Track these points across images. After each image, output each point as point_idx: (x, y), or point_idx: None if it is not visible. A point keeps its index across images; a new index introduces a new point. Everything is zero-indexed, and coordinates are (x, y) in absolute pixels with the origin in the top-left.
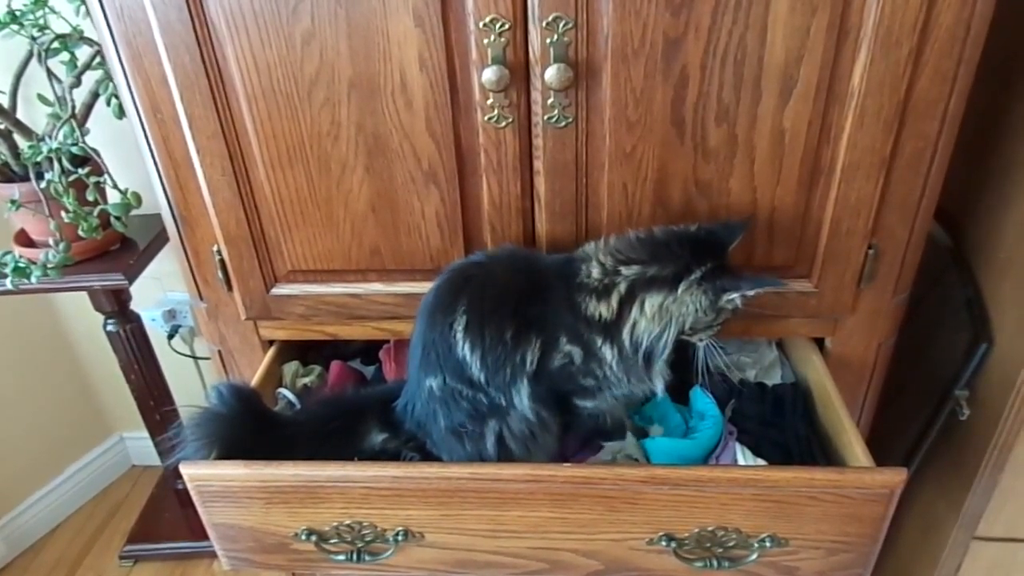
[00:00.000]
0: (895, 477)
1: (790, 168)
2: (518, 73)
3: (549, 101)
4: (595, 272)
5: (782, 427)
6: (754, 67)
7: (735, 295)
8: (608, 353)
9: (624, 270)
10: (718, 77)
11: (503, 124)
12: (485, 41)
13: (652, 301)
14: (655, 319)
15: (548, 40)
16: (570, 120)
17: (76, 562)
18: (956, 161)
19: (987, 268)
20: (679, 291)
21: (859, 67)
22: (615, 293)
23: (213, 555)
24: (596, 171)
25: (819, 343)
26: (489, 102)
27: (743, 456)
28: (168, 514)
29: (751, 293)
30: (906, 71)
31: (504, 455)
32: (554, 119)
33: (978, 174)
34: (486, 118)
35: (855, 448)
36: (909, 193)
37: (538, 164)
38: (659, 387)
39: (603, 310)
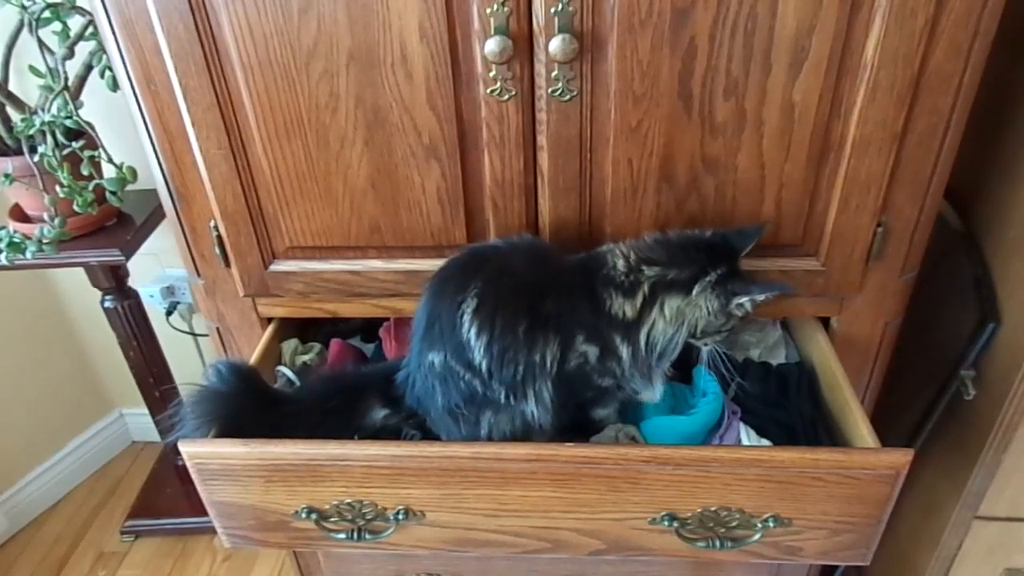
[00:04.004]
0: (901, 458)
1: (799, 143)
2: (521, 44)
3: (553, 74)
4: (620, 265)
5: (786, 407)
6: (764, 38)
7: (745, 299)
8: (624, 352)
9: (646, 270)
10: (727, 49)
11: (506, 97)
12: (488, 10)
13: (671, 304)
14: (672, 321)
15: (552, 9)
16: (574, 93)
17: (77, 537)
18: (966, 138)
19: (996, 247)
20: (693, 293)
21: (872, 38)
22: (640, 293)
23: (214, 531)
24: (601, 146)
25: (824, 322)
26: (492, 74)
27: (747, 436)
28: (169, 490)
29: (761, 298)
30: (921, 43)
31: None
32: (558, 92)
33: (989, 151)
34: (488, 91)
35: (861, 428)
36: (920, 170)
37: (541, 139)
38: (658, 390)
39: (627, 309)
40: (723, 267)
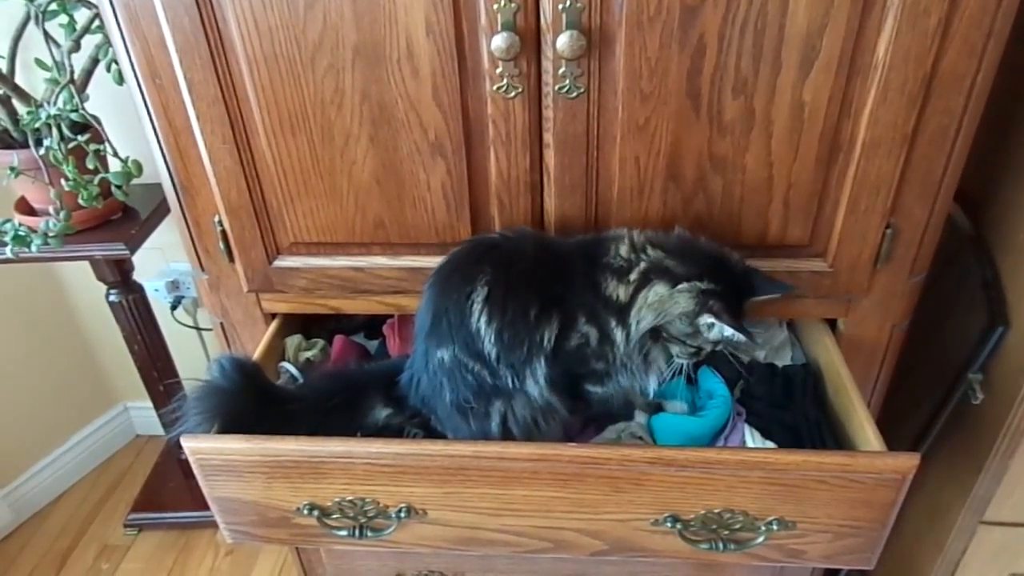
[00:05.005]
0: (907, 462)
1: (808, 144)
2: (529, 40)
3: (560, 70)
4: (623, 251)
5: (792, 409)
6: (774, 37)
7: (713, 321)
8: (618, 336)
9: (650, 252)
10: (736, 47)
11: (512, 94)
12: (495, 6)
13: (657, 290)
14: (651, 308)
15: (560, 6)
16: (582, 91)
17: (81, 529)
18: (977, 140)
19: (1006, 250)
20: (677, 288)
21: (884, 38)
22: (635, 272)
23: (217, 525)
24: (608, 144)
25: (831, 324)
26: (498, 71)
27: (752, 438)
28: (172, 483)
29: (728, 332)
30: (933, 43)
31: (507, 440)
32: (565, 89)
33: (999, 153)
34: (495, 88)
35: (867, 432)
36: (930, 171)
37: (548, 136)
38: (651, 384)
39: (620, 292)
40: (721, 287)
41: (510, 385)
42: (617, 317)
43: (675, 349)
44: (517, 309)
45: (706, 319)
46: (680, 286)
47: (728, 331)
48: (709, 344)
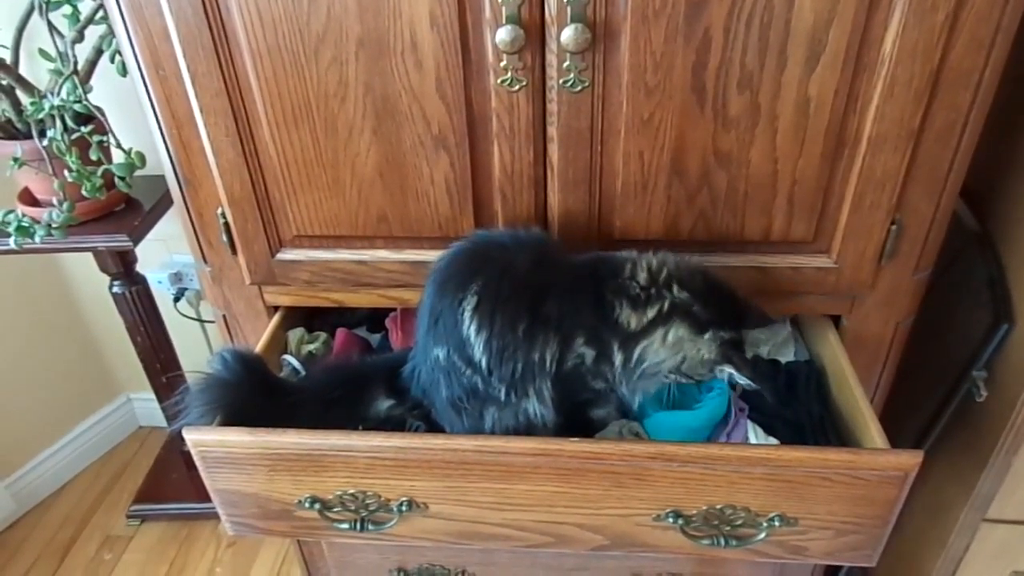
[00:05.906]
0: (910, 460)
1: (814, 139)
2: (533, 34)
3: (565, 64)
4: (641, 278)
5: (795, 405)
6: (780, 31)
7: (732, 372)
8: (617, 359)
9: (677, 291)
10: (742, 41)
11: (516, 87)
12: None
13: (677, 331)
14: (669, 346)
15: None
16: (586, 84)
17: (84, 520)
18: (983, 136)
19: (1011, 247)
20: (705, 336)
21: (891, 33)
22: (656, 308)
23: (219, 516)
24: (612, 139)
25: (835, 320)
26: (502, 64)
27: (754, 434)
28: (175, 475)
29: (743, 381)
30: (940, 38)
31: None
32: (570, 83)
33: (1006, 149)
34: (499, 81)
35: (870, 429)
36: (937, 167)
37: (552, 130)
38: (636, 401)
39: (633, 321)
40: (735, 334)
41: (502, 398)
42: (621, 341)
43: (677, 376)
44: (505, 322)
45: (727, 368)
46: (706, 335)
47: (743, 381)
48: (710, 376)
